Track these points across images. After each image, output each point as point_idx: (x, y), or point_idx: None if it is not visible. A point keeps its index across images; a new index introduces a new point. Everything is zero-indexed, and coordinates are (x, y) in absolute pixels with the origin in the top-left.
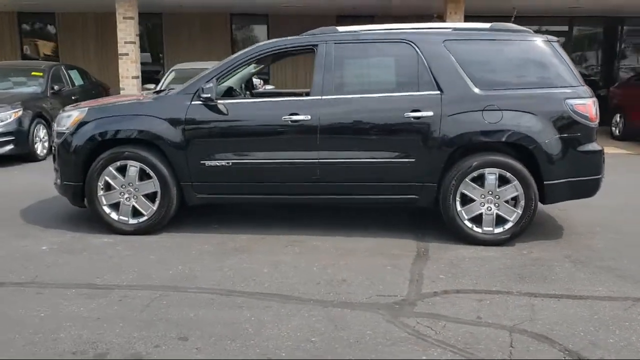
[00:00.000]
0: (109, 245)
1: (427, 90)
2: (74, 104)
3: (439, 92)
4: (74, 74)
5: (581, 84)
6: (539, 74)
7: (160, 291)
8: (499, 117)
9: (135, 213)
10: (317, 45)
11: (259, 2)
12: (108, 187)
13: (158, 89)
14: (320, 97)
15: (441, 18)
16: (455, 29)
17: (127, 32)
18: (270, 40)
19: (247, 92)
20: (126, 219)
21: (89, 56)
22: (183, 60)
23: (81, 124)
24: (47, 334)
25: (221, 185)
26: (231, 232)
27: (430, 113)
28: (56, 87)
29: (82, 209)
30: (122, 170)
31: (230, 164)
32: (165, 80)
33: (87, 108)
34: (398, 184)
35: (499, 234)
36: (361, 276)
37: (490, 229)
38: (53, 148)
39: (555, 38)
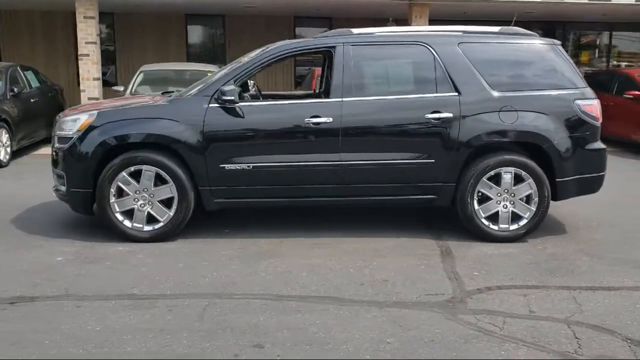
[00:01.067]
0: (129, 254)
1: (445, 92)
2: (74, 107)
3: (456, 93)
4: (30, 75)
5: (586, 85)
6: (548, 76)
7: (207, 299)
8: (515, 118)
9: (149, 220)
10: (334, 47)
11: (216, 3)
12: (120, 193)
13: (129, 91)
14: (341, 99)
15: (396, 22)
16: (465, 31)
17: (87, 32)
18: (289, 42)
19: (256, 94)
20: (140, 225)
21: (36, 56)
22: (134, 62)
23: (91, 128)
24: (112, 347)
25: (241, 189)
26: (247, 236)
27: (450, 114)
28: (16, 90)
29: (75, 216)
30: (136, 175)
31: (251, 167)
32: (135, 81)
33: (96, 111)
34: (417, 185)
35: (514, 230)
36: (400, 276)
37: (506, 226)
38: (55, 153)
39: (558, 42)
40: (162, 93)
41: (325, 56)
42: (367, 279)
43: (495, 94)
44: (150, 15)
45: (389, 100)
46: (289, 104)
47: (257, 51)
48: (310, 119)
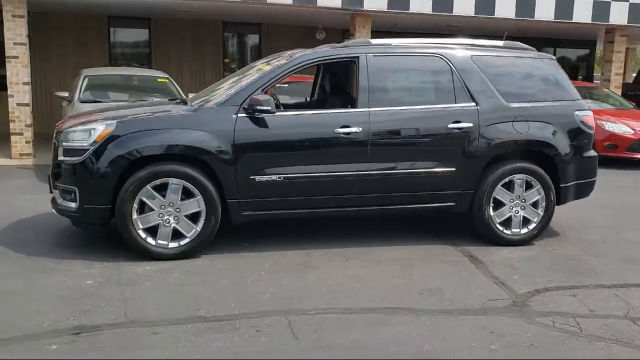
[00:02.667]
0: (162, 273)
1: (464, 102)
2: (73, 116)
3: (474, 104)
4: None
5: (580, 97)
6: (550, 88)
7: (282, 316)
8: (527, 128)
9: (174, 236)
10: (358, 57)
11: (144, 5)
12: (142, 208)
13: (77, 97)
14: (368, 110)
15: (325, 30)
16: (474, 45)
17: (16, 32)
18: (313, 51)
19: (277, 103)
20: (165, 242)
21: None
22: (53, 66)
23: (111, 139)
24: None
25: (271, 201)
26: (270, 249)
27: (470, 124)
28: None
29: (68, 234)
30: (160, 189)
31: (282, 178)
32: (81, 87)
33: (115, 121)
34: (439, 193)
35: (525, 234)
36: (449, 284)
37: (518, 230)
38: (60, 167)
39: (553, 57)
40: (177, 101)
41: (320, 66)
42: (421, 288)
43: (508, 104)
44: (70, 16)
45: (413, 110)
46: (319, 113)
47: (282, 60)
48: (340, 129)
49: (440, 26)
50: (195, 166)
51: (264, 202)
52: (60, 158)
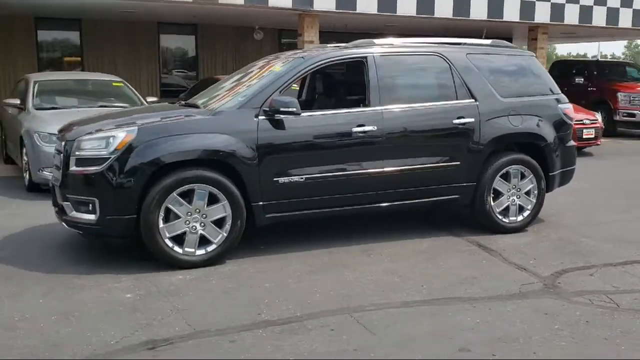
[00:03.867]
0: (199, 282)
1: (465, 99)
2: (76, 123)
3: (473, 100)
4: None
5: (560, 91)
6: (535, 83)
7: (345, 314)
8: (521, 121)
9: (200, 242)
10: (366, 57)
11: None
12: (167, 216)
13: (30, 103)
14: (380, 108)
15: (263, 30)
16: (466, 43)
17: None
18: (323, 52)
19: None
20: (192, 250)
21: None
22: None
23: (133, 146)
24: None
25: (293, 202)
26: (291, 250)
27: (472, 119)
28: None
29: (71, 245)
30: (185, 195)
31: (304, 178)
32: (33, 93)
33: (136, 127)
34: (445, 186)
35: (520, 221)
36: (478, 272)
37: (515, 218)
38: (73, 177)
39: (533, 53)
40: (184, 104)
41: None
42: (458, 278)
43: (503, 99)
44: None
45: (421, 107)
46: (336, 113)
47: (296, 61)
48: (357, 128)
49: (378, 26)
50: (220, 171)
51: (286, 204)
52: (73, 168)
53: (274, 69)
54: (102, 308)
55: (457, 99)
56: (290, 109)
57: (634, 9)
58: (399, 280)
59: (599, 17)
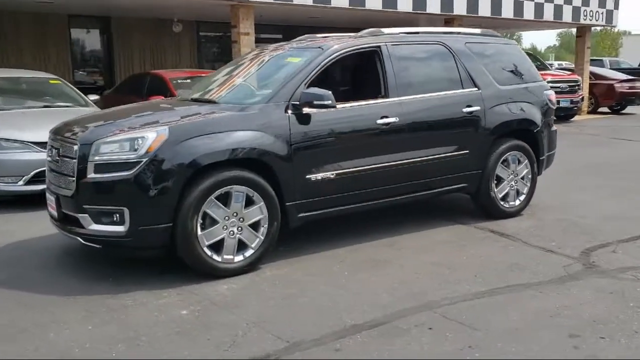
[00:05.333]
0: (251, 290)
1: (469, 88)
2: (82, 124)
3: (476, 88)
4: None
5: (542, 78)
6: (523, 71)
7: (427, 310)
8: (518, 108)
9: (237, 248)
10: (380, 47)
11: None
12: (204, 222)
13: None
14: (399, 99)
15: (180, 22)
16: (460, 32)
17: None
18: (342, 41)
19: None
20: (231, 257)
21: None
22: None
23: (165, 147)
24: None
25: (324, 200)
26: (317, 250)
27: (478, 108)
28: None
29: (74, 262)
30: (222, 198)
31: (334, 175)
32: None
33: (167, 127)
34: (456, 175)
35: (518, 206)
36: (516, 257)
37: (513, 203)
38: (92, 186)
39: (515, 42)
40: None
41: None
42: (501, 266)
43: (501, 87)
44: None
45: (435, 97)
46: (362, 105)
47: (314, 54)
48: (381, 120)
49: (302, 18)
50: (254, 171)
51: (317, 202)
52: (92, 175)
53: (291, 60)
54: (168, 329)
55: (462, 88)
56: (325, 102)
57: (535, 2)
58: (448, 272)
59: (508, 10)
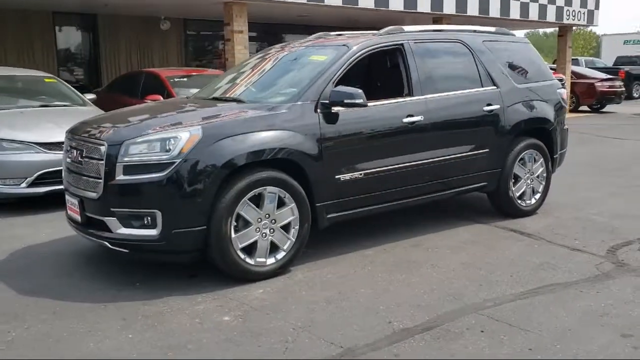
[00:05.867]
0: (288, 293)
1: (489, 86)
2: (135, 122)
3: (495, 87)
4: None
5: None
6: (536, 69)
7: (473, 313)
8: (534, 107)
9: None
10: (402, 44)
11: None
12: (239, 224)
13: None
14: (424, 97)
15: (168, 20)
16: (477, 31)
17: None
18: (367, 38)
19: None
20: (263, 259)
21: None
22: None
23: (200, 147)
24: None
25: (352, 200)
26: (342, 252)
27: (498, 106)
28: None
29: (84, 264)
30: (254, 200)
31: (362, 174)
32: None
33: (200, 126)
34: (477, 174)
35: (534, 204)
36: (545, 257)
37: (530, 201)
38: (122, 188)
39: (528, 40)
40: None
41: None
42: (533, 265)
43: (518, 86)
44: None
45: (457, 95)
46: (389, 104)
47: (339, 51)
48: (407, 119)
49: (290, 17)
50: (285, 171)
51: (346, 202)
52: (122, 177)
53: (316, 59)
54: (214, 336)
55: (482, 86)
56: (356, 101)
57: (521, 2)
58: (484, 273)
59: (495, 10)
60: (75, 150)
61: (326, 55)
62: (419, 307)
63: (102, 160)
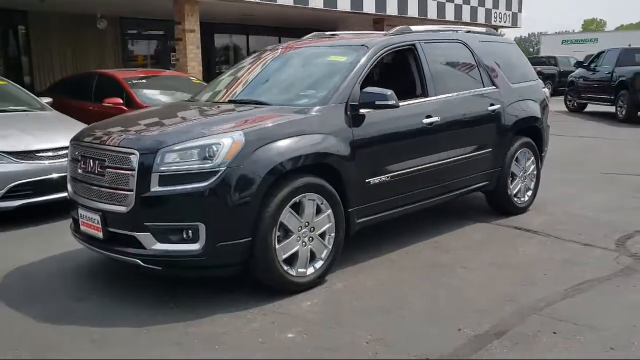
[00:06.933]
0: (338, 305)
1: (489, 86)
2: (165, 127)
3: (495, 87)
4: None
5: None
6: (524, 69)
7: (535, 314)
8: (527, 106)
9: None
10: (414, 44)
11: None
12: (281, 233)
13: None
14: (438, 98)
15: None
16: (471, 31)
17: None
18: (385, 38)
19: None
20: (304, 270)
21: None
22: None
23: (244, 154)
24: None
25: (380, 204)
26: (368, 257)
27: (499, 106)
28: None
29: (102, 282)
30: (294, 207)
31: (389, 177)
32: None
33: (241, 131)
34: (481, 173)
35: (527, 201)
36: (562, 254)
37: (524, 199)
38: (157, 200)
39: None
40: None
41: None
42: (556, 263)
43: (513, 85)
44: None
45: (466, 95)
46: (410, 104)
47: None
48: (426, 119)
49: (238, 16)
50: (321, 176)
51: (374, 206)
52: (157, 189)
53: (336, 59)
54: (288, 354)
55: (483, 86)
56: (388, 102)
57: (455, 4)
58: (518, 273)
59: (432, 12)
60: (90, 160)
61: (346, 55)
62: (479, 312)
63: (132, 170)
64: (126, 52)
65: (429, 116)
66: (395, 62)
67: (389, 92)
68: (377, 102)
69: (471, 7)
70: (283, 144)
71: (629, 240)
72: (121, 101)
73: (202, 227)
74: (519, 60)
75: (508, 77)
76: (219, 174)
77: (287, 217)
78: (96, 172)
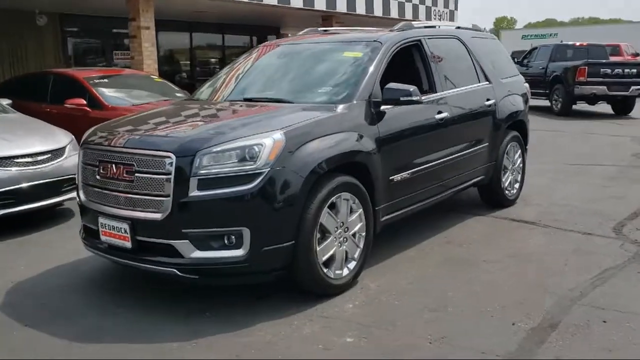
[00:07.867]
0: (380, 306)
1: (484, 81)
2: (202, 129)
3: (488, 82)
4: None
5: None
6: (508, 65)
7: (581, 301)
8: (515, 100)
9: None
10: (420, 40)
11: None
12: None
13: None
14: (445, 93)
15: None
16: (460, 27)
17: None
18: (394, 34)
19: None
20: (340, 271)
21: None
22: None
23: (285, 154)
24: None
25: (401, 201)
26: (381, 253)
27: (494, 101)
28: None
29: (131, 293)
30: (330, 208)
31: (409, 173)
32: None
33: (281, 131)
34: (480, 167)
35: (515, 193)
36: (569, 245)
37: (514, 191)
38: (197, 206)
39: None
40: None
41: None
42: (568, 252)
43: (502, 81)
44: None
45: (468, 91)
46: (426, 100)
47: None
48: (438, 115)
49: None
50: (352, 175)
51: (396, 204)
52: (197, 193)
53: (351, 55)
54: (366, 357)
55: (479, 81)
56: (413, 98)
57: (398, 2)
58: (538, 264)
59: (378, 9)
60: (111, 165)
61: (360, 51)
62: (524, 305)
63: (168, 174)
64: (66, 50)
65: (439, 112)
66: (404, 58)
67: (412, 87)
68: (401, 99)
69: (413, 4)
70: (320, 143)
71: (624, 228)
72: (84, 102)
73: (246, 232)
74: (503, 56)
75: (498, 72)
76: (262, 176)
77: (325, 218)
78: (121, 177)
